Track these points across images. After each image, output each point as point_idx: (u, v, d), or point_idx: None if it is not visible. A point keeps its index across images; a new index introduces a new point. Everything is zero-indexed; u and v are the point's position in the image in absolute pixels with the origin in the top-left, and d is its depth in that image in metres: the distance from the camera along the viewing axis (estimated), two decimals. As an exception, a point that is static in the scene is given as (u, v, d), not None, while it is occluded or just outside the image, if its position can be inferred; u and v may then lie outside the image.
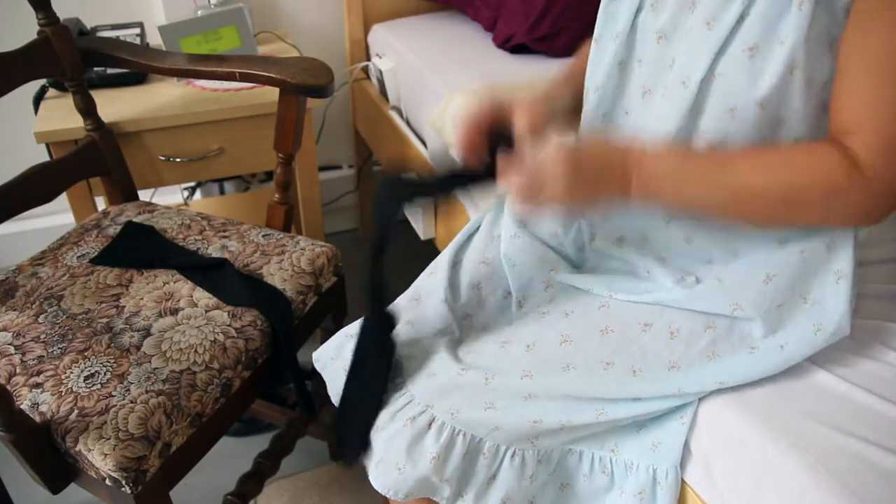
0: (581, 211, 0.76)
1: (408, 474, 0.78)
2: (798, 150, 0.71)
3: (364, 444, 0.84)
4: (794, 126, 0.71)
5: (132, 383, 0.92)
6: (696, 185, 0.72)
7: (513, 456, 0.80)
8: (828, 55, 0.68)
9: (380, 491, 0.80)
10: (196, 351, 0.97)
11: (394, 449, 0.79)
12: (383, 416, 0.80)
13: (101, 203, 1.45)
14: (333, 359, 0.91)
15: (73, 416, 0.88)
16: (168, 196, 1.96)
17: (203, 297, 1.06)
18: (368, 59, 1.87)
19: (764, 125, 0.71)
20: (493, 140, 0.77)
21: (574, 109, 0.88)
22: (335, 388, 0.90)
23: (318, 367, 0.93)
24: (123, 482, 0.86)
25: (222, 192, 2.04)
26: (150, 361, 0.95)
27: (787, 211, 0.71)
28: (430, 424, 0.79)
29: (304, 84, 1.14)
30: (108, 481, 0.88)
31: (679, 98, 0.73)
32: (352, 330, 0.91)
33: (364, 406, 0.84)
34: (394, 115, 1.69)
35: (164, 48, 1.42)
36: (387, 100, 1.73)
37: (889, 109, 0.65)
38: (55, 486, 0.92)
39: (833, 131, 0.69)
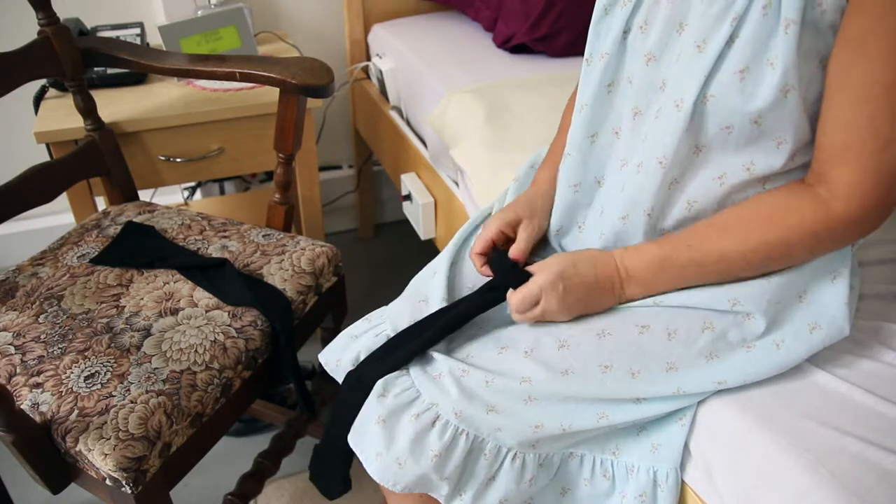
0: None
1: (408, 469, 0.78)
2: (770, 208, 0.74)
3: (344, 485, 0.92)
4: (792, 138, 0.72)
5: (132, 383, 0.92)
6: (684, 276, 0.78)
7: (513, 458, 0.80)
8: (819, 73, 0.69)
9: (377, 480, 0.80)
10: (196, 351, 0.97)
11: (397, 443, 0.79)
12: (386, 409, 0.80)
13: (101, 203, 1.45)
14: (340, 361, 0.91)
15: (73, 416, 0.88)
16: (168, 196, 1.96)
17: (203, 297, 1.06)
18: (368, 59, 1.88)
19: (760, 140, 0.72)
20: (495, 252, 0.90)
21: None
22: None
23: (328, 370, 0.94)
24: (123, 482, 0.86)
25: (222, 192, 2.04)
26: (150, 361, 0.95)
27: (774, 263, 0.76)
28: (434, 422, 0.79)
29: (304, 84, 1.14)
30: (108, 481, 0.88)
31: (673, 120, 0.74)
32: (355, 330, 0.91)
33: (341, 446, 0.86)
34: (394, 115, 1.70)
35: (164, 48, 1.42)
36: (387, 100, 1.73)
37: (870, 142, 0.66)
38: (55, 486, 0.92)
39: (818, 158, 0.71)
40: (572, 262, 0.81)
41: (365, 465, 0.81)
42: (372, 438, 0.81)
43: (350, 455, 0.88)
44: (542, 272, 0.80)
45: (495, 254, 0.89)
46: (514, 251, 0.89)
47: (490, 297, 0.85)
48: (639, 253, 0.80)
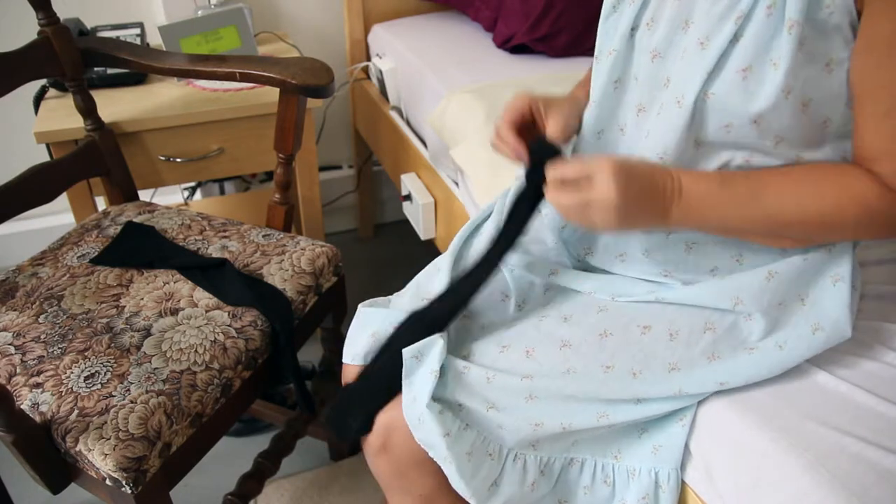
0: (624, 231, 0.77)
1: (425, 428, 0.77)
2: (830, 175, 0.72)
3: (366, 425, 0.85)
4: (789, 139, 0.72)
5: (132, 383, 0.92)
6: (734, 214, 0.73)
7: (515, 459, 0.80)
8: (824, 75, 0.68)
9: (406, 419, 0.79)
10: (196, 351, 0.97)
11: (418, 403, 0.78)
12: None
13: (101, 203, 1.45)
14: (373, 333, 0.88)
15: (73, 416, 0.88)
16: (168, 196, 1.96)
17: (203, 297, 1.06)
18: (368, 59, 1.88)
19: (759, 139, 0.72)
20: (530, 139, 0.81)
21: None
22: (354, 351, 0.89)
23: (350, 353, 0.90)
24: (123, 482, 0.86)
25: (222, 192, 2.04)
26: (150, 361, 0.95)
27: (822, 232, 0.74)
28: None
29: (304, 84, 1.14)
30: (108, 481, 0.88)
31: (675, 117, 0.74)
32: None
33: (378, 386, 0.83)
34: (394, 115, 1.70)
35: (164, 48, 1.42)
36: (387, 100, 1.73)
37: None
38: (55, 486, 0.92)
39: (857, 157, 0.71)
40: (629, 156, 0.75)
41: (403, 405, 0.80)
42: (413, 383, 0.80)
43: (384, 399, 0.84)
44: (602, 156, 0.72)
45: (538, 138, 0.80)
46: (550, 133, 0.81)
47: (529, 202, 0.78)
48: (698, 175, 0.74)
